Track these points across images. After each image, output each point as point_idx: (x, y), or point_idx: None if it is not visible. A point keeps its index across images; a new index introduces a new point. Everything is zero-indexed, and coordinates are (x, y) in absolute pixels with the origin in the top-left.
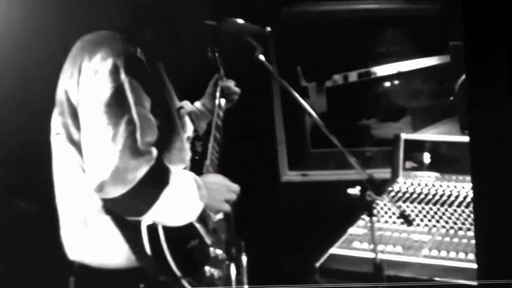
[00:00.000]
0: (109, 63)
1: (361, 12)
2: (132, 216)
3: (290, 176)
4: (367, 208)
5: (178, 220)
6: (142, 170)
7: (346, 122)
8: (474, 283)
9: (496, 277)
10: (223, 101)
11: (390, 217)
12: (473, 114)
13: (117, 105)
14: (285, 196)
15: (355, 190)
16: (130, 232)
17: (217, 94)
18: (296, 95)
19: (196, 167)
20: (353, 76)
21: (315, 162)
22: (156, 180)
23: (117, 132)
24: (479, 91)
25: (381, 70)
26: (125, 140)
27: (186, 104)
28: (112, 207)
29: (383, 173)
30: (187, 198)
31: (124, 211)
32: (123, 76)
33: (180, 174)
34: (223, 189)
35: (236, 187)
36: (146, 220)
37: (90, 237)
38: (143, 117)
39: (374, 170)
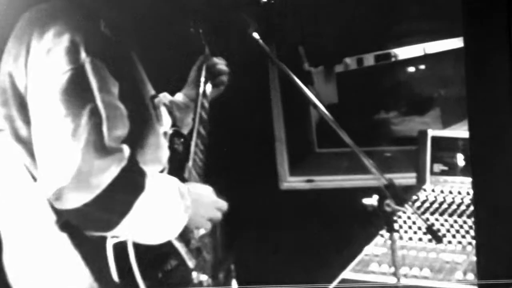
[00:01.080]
0: (65, 39)
1: None
2: (97, 231)
3: (292, 182)
4: (387, 221)
5: (155, 236)
6: (110, 173)
7: (360, 116)
8: (474, 283)
9: (496, 277)
10: (208, 88)
11: (415, 232)
12: (473, 114)
13: (77, 92)
14: (286, 207)
15: (371, 200)
16: (93, 252)
17: (202, 79)
18: (299, 82)
19: (176, 169)
20: (369, 59)
21: (323, 165)
22: (129, 185)
23: (78, 126)
24: (479, 90)
25: (403, 52)
26: (89, 135)
27: (165, 96)
28: (72, 220)
29: (406, 178)
30: (167, 208)
31: (87, 225)
32: (83, 56)
33: (159, 179)
34: (210, 204)
35: (223, 205)
36: (113, 237)
37: (40, 261)
38: (110, 106)
39: (395, 175)
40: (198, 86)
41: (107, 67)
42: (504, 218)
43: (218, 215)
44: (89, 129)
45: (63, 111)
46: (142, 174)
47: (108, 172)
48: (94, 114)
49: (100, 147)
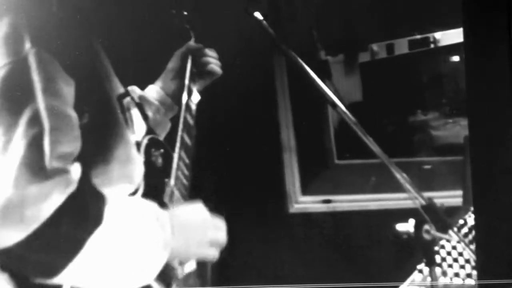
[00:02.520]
0: (4, 23)
1: None
2: (36, 277)
3: (304, 204)
4: (426, 253)
5: (117, 285)
6: (52, 202)
7: (390, 118)
8: (474, 283)
9: (496, 277)
10: (195, 87)
11: (462, 267)
12: (473, 114)
13: (14, 94)
14: (296, 235)
15: (406, 226)
16: None
17: (187, 72)
18: (313, 75)
19: (153, 190)
20: (402, 45)
21: (343, 182)
22: (79, 217)
23: (10, 139)
24: (479, 88)
25: (445, 37)
26: (25, 151)
27: (134, 91)
28: (3, 263)
29: (450, 198)
30: (137, 246)
31: (24, 269)
32: (27, 46)
33: (126, 205)
34: (205, 225)
35: (222, 224)
36: (63, 284)
37: None
38: (56, 113)
39: (435, 193)
40: (180, 77)
41: (59, 60)
42: (504, 218)
43: (221, 237)
44: (25, 144)
45: None
46: (99, 201)
47: (49, 200)
48: (34, 123)
49: (39, 168)
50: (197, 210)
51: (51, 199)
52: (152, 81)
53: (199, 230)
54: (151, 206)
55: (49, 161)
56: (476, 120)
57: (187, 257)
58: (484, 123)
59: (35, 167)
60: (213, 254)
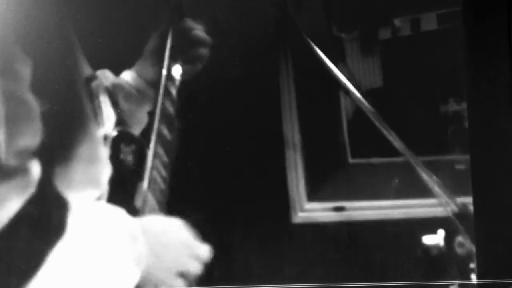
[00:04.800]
0: None
1: None
2: None
3: (311, 211)
4: (460, 269)
5: None
6: (8, 207)
7: (416, 108)
8: (474, 283)
9: (496, 277)
10: (177, 69)
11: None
12: (473, 114)
13: None
14: (301, 250)
15: (436, 238)
16: None
17: (166, 52)
18: (322, 56)
19: (122, 195)
20: (429, 20)
21: (359, 185)
22: (39, 225)
23: None
24: (479, 88)
25: None
26: None
27: (105, 78)
28: None
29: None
30: (106, 259)
31: None
32: None
33: (92, 212)
34: (179, 249)
35: (202, 251)
36: None
37: None
38: (13, 100)
39: (471, 198)
40: (159, 61)
41: (15, 38)
42: (504, 218)
43: (194, 267)
44: None
45: None
46: (61, 207)
47: (4, 205)
48: None
49: None
50: (173, 225)
51: (7, 203)
52: (128, 66)
53: (172, 250)
54: (120, 213)
55: (4, 158)
56: (476, 120)
57: (156, 278)
58: (484, 123)
59: None
60: (191, 272)
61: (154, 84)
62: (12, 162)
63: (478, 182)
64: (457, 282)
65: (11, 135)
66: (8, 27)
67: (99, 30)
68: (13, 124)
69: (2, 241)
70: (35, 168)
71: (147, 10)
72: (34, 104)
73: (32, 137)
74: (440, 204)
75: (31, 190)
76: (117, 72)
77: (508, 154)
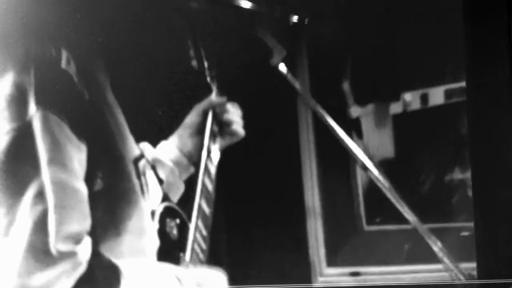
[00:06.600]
0: (7, 83)
1: None
2: None
3: (330, 276)
4: None
5: None
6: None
7: (426, 177)
8: (474, 282)
9: (496, 277)
10: (215, 147)
11: None
12: (473, 114)
13: (18, 165)
14: None
15: None
16: None
17: (207, 130)
18: (343, 135)
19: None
20: (437, 95)
21: (373, 251)
22: None
23: (13, 220)
24: (479, 88)
25: None
26: (29, 234)
27: (146, 149)
28: None
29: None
30: None
31: None
32: (32, 108)
33: (142, 273)
34: None
35: None
36: None
37: None
38: (63, 187)
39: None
40: (198, 134)
41: (68, 122)
42: (504, 218)
43: None
44: (29, 225)
45: None
46: (114, 274)
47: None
48: (38, 201)
49: (43, 253)
50: (216, 277)
51: (58, 286)
52: (165, 137)
53: None
54: (168, 267)
55: (53, 245)
56: (476, 121)
57: None
58: (484, 123)
59: (40, 252)
60: None
61: (190, 156)
62: (61, 247)
63: (478, 182)
64: (457, 282)
65: (59, 222)
66: (63, 112)
67: (141, 103)
68: (62, 212)
69: None
70: (85, 248)
71: (187, 85)
72: (83, 191)
73: (80, 222)
74: (445, 270)
75: (81, 269)
76: (155, 143)
77: (508, 154)
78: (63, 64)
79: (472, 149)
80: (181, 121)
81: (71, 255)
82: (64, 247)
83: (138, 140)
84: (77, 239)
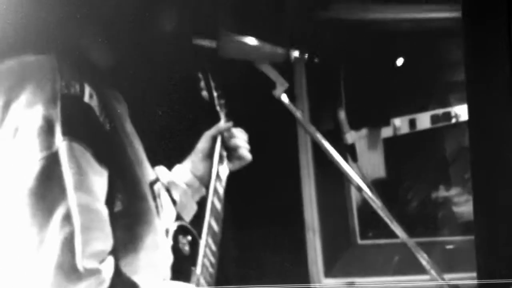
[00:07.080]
0: (38, 115)
1: (434, 22)
2: None
3: (328, 286)
4: None
5: None
6: None
7: (414, 195)
8: (474, 282)
9: (496, 277)
10: (224, 170)
11: None
12: (473, 114)
13: (47, 191)
14: None
15: None
16: None
17: (216, 155)
18: (339, 160)
19: (177, 278)
20: (423, 120)
21: (366, 262)
22: None
23: (43, 240)
24: (479, 88)
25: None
26: (58, 253)
27: (162, 174)
28: None
29: (473, 280)
30: None
31: None
32: (59, 138)
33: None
34: None
35: None
36: None
37: None
38: (87, 211)
39: (458, 275)
40: (208, 158)
41: (91, 150)
42: (504, 218)
43: None
44: (58, 245)
45: (29, 218)
46: None
47: None
48: (66, 223)
49: (71, 270)
50: None
51: None
52: (179, 160)
53: None
54: (180, 285)
55: (80, 262)
56: (476, 121)
57: None
58: (484, 124)
59: (68, 269)
60: None
61: (201, 179)
62: (87, 265)
63: (478, 182)
64: (457, 282)
65: (85, 242)
66: (86, 141)
67: (156, 131)
68: (87, 232)
69: None
70: (108, 266)
71: (200, 113)
72: (105, 213)
73: (104, 241)
74: (432, 281)
75: (105, 286)
76: (170, 166)
77: (508, 155)
78: (86, 98)
79: (472, 149)
80: (192, 146)
81: (96, 272)
82: (90, 264)
83: (153, 164)
84: (101, 257)
